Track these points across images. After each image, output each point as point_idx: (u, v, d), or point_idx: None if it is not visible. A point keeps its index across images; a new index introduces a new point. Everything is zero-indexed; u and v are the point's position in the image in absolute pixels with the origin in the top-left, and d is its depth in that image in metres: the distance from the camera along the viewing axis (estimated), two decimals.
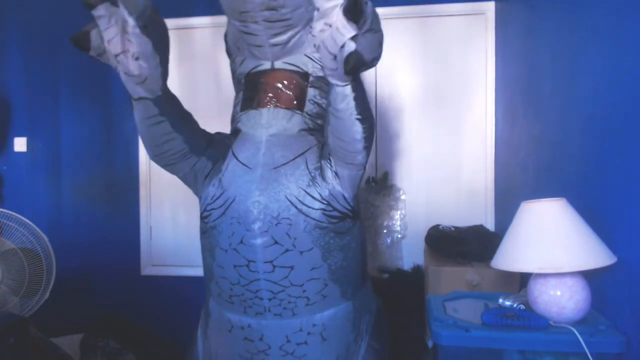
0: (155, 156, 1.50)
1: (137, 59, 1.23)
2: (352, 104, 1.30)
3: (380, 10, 2.74)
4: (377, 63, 1.26)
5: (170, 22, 2.88)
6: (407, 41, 2.73)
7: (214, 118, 2.89)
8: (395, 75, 2.76)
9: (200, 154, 1.55)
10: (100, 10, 1.14)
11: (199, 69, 2.90)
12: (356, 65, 1.15)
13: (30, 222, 2.33)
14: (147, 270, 2.97)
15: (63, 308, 2.56)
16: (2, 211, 2.32)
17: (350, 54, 1.14)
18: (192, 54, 2.92)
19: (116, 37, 1.19)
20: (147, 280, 2.96)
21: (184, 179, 1.61)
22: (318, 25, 1.16)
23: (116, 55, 1.22)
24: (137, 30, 1.20)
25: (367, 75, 2.77)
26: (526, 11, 2.12)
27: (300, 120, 1.56)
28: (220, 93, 2.85)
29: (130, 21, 1.18)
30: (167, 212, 2.96)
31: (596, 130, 1.36)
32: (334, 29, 1.12)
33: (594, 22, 1.39)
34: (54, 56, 3.02)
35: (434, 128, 2.74)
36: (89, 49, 1.23)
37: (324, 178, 1.51)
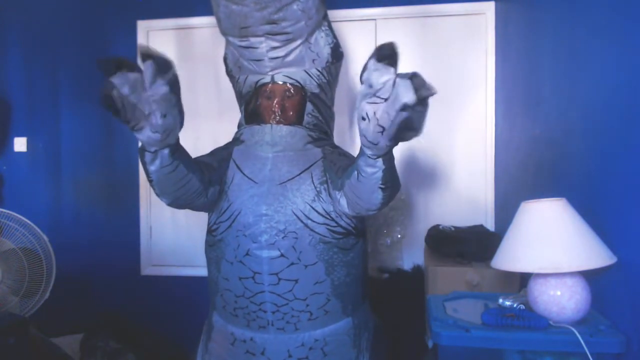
0: (173, 201, 1.45)
1: (164, 116, 1.17)
2: (380, 174, 1.27)
3: (380, 10, 2.76)
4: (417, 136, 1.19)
5: (170, 22, 2.93)
6: (407, 41, 2.72)
7: (214, 118, 2.91)
8: None
9: (212, 184, 1.52)
10: (117, 79, 1.06)
11: (199, 69, 2.89)
12: (407, 130, 1.12)
13: (30, 222, 2.33)
14: (147, 270, 2.97)
15: (63, 308, 2.55)
16: (2, 211, 2.32)
17: (406, 119, 1.10)
18: (192, 54, 2.92)
19: (140, 101, 1.12)
20: (147, 280, 2.96)
21: (203, 209, 1.59)
22: (367, 100, 1.11)
23: (147, 115, 1.16)
24: (167, 92, 1.13)
25: None
26: (526, 11, 2.12)
27: (304, 134, 1.58)
28: (220, 93, 2.85)
29: (163, 86, 1.12)
30: (167, 212, 2.95)
31: (596, 130, 1.36)
32: (390, 101, 1.09)
33: (595, 21, 1.39)
34: (54, 56, 3.02)
35: (434, 128, 2.74)
36: (118, 112, 1.14)
37: (329, 194, 1.51)
